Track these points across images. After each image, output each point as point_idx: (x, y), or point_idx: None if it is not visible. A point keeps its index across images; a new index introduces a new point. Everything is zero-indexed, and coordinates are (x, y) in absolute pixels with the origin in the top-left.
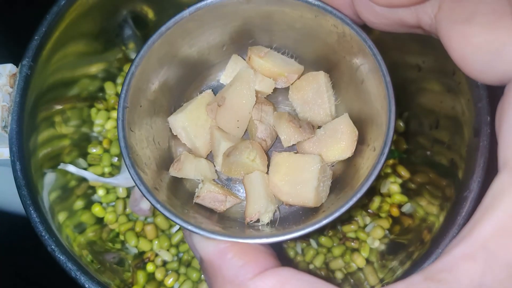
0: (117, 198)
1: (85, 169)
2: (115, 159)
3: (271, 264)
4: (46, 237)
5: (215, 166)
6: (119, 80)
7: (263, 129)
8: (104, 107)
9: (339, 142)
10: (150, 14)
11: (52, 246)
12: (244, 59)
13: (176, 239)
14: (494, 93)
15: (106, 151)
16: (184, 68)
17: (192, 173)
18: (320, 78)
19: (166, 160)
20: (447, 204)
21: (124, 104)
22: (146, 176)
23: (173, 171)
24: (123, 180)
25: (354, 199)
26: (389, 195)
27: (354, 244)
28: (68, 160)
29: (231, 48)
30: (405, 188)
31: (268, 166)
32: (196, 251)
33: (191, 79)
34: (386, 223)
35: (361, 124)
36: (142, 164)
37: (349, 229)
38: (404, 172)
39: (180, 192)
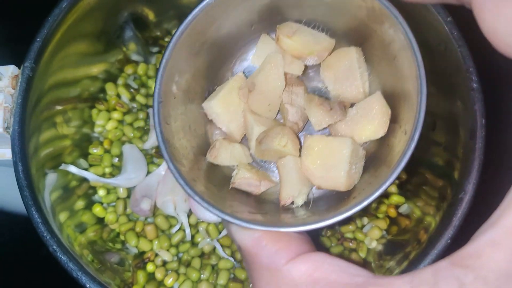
0: (118, 198)
1: (86, 169)
2: (116, 160)
3: (305, 249)
4: (47, 237)
5: (249, 149)
6: (120, 81)
7: (294, 112)
8: (105, 108)
9: (372, 122)
10: (151, 15)
11: (54, 247)
12: (273, 38)
13: (176, 239)
14: (490, 96)
15: (107, 151)
16: (215, 52)
17: (227, 160)
18: (352, 54)
19: (203, 147)
20: (443, 205)
21: (158, 99)
22: (184, 169)
23: (210, 158)
24: (124, 180)
25: (388, 183)
26: (387, 196)
27: (352, 245)
28: (69, 161)
29: (260, 27)
30: (402, 189)
31: (301, 149)
32: (235, 240)
33: (222, 62)
34: (383, 224)
35: (393, 102)
36: (180, 156)
37: (347, 230)
38: (401, 173)
39: (217, 178)
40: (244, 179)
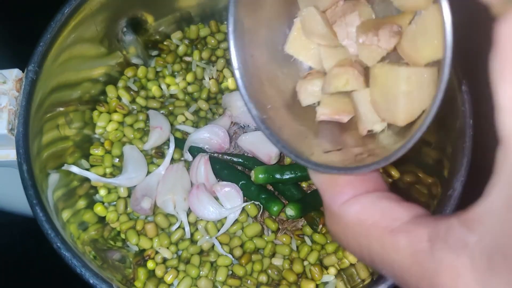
0: (119, 197)
1: (87, 170)
2: (116, 160)
3: (365, 188)
4: (52, 235)
5: None
6: (120, 83)
7: (353, 47)
8: (105, 110)
9: (432, 40)
10: (150, 20)
11: (58, 244)
12: None
13: (175, 237)
14: (477, 97)
15: (108, 152)
16: None
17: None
18: None
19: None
20: (434, 201)
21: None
22: (270, 121)
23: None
24: (125, 180)
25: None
26: None
27: None
28: (71, 161)
29: None
30: (395, 187)
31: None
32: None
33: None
34: None
35: None
36: (266, 108)
37: None
38: (394, 172)
39: (299, 112)
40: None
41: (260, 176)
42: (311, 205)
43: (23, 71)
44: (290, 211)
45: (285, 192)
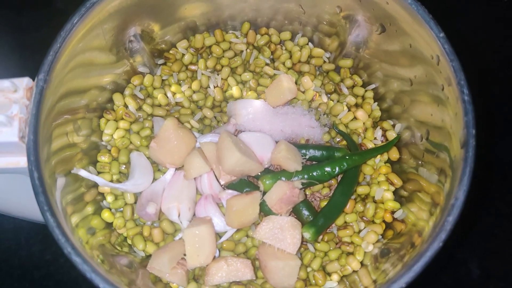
0: (125, 204)
1: None
2: (123, 167)
3: None
4: (63, 240)
5: None
6: (127, 91)
7: None
8: (112, 117)
9: None
10: (156, 29)
11: (69, 249)
12: None
13: None
14: (480, 107)
15: (115, 159)
16: None
17: None
18: None
19: None
20: (436, 210)
21: None
22: None
23: None
24: (131, 186)
25: None
26: (382, 202)
27: (349, 248)
28: (79, 167)
29: None
30: (397, 195)
31: None
32: None
33: None
34: (379, 229)
35: None
36: None
37: (345, 234)
38: (396, 180)
39: None
40: None
41: (268, 182)
42: (324, 225)
43: (33, 79)
44: (307, 235)
45: (296, 213)
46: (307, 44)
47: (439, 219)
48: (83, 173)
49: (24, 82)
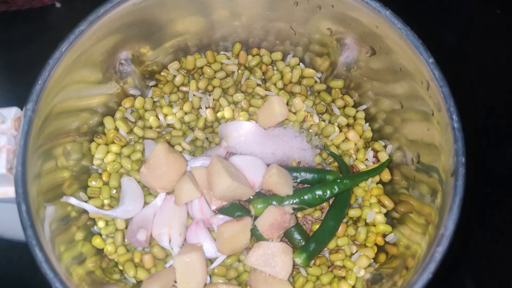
0: (116, 229)
1: (85, 202)
2: (114, 191)
3: None
4: (51, 275)
5: None
6: (118, 114)
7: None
8: (103, 141)
9: None
10: (147, 51)
11: (57, 284)
12: None
13: None
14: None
15: (106, 184)
16: None
17: None
18: None
19: None
20: (430, 230)
21: None
22: None
23: None
24: (122, 212)
25: None
26: (374, 225)
27: (341, 272)
28: (69, 193)
29: None
30: (389, 217)
31: None
32: None
33: None
34: (371, 252)
35: None
36: None
37: (337, 258)
38: (388, 202)
39: None
40: None
41: (259, 206)
42: (316, 251)
43: (21, 109)
44: (298, 260)
45: (288, 237)
46: (298, 64)
47: (428, 250)
48: (73, 201)
49: (12, 112)
